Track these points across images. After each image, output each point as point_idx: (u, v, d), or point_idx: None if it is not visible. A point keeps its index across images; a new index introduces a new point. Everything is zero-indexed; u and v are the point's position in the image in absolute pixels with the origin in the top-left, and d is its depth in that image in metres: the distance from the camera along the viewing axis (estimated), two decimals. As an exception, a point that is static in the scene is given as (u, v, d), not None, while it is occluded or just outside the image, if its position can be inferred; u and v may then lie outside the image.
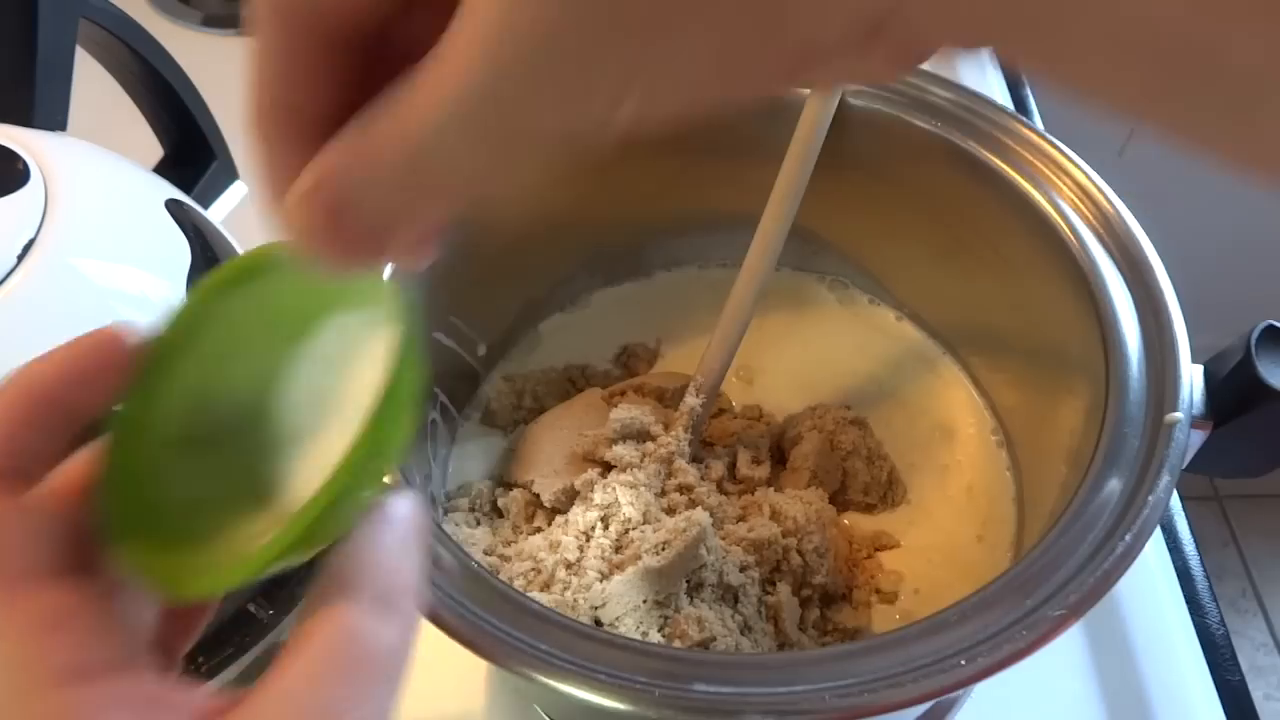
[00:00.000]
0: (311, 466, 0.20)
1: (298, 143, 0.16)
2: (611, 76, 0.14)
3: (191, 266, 0.38)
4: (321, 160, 0.15)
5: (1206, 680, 0.42)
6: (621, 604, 0.33)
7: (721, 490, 0.38)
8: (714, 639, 0.33)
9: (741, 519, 0.37)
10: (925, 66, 0.41)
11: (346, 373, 0.21)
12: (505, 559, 0.36)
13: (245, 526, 0.20)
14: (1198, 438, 0.31)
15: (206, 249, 0.40)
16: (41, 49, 0.39)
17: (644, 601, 0.33)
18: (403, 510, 0.20)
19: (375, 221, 0.16)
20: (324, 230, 0.16)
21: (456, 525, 0.38)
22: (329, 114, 0.16)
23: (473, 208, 0.16)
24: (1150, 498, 0.28)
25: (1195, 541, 0.47)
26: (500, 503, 0.39)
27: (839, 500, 0.40)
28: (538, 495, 0.38)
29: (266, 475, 0.21)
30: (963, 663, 0.25)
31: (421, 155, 0.15)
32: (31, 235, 0.33)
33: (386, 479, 0.19)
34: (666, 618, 0.33)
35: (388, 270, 0.20)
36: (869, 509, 0.40)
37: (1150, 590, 0.44)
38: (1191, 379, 0.31)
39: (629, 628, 0.33)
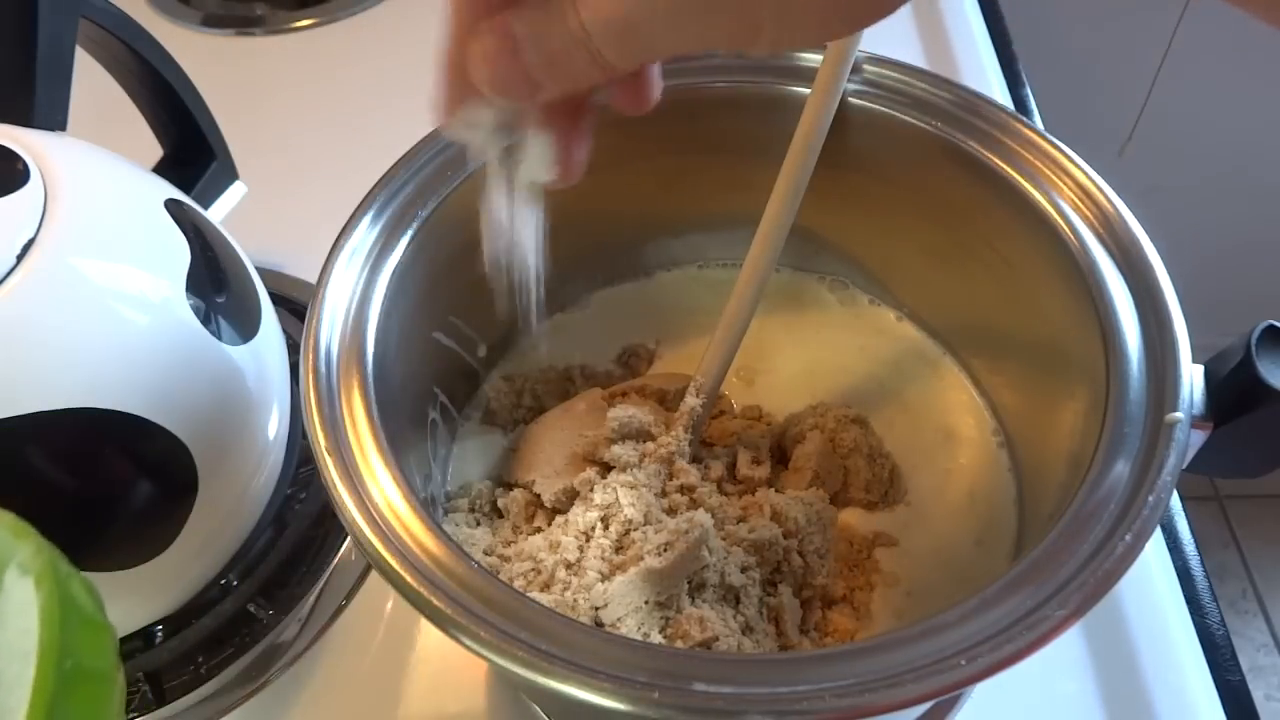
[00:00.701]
0: None
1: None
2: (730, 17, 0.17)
3: (191, 266, 0.38)
4: (497, 26, 0.20)
5: (1207, 680, 0.42)
6: (623, 605, 0.33)
7: (721, 491, 0.38)
8: (716, 639, 0.33)
9: (742, 519, 0.37)
10: (925, 66, 0.41)
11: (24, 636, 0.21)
12: (505, 559, 0.36)
13: None
14: (1198, 438, 0.31)
15: (206, 249, 0.40)
16: (41, 49, 0.39)
17: (645, 602, 0.33)
18: None
19: (533, 74, 0.20)
20: (498, 68, 0.20)
21: (456, 525, 0.38)
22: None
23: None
24: (1150, 498, 0.28)
25: (1195, 541, 0.47)
26: (500, 503, 0.39)
27: (840, 498, 0.40)
28: (538, 495, 0.38)
29: None
30: (963, 663, 0.25)
31: (576, 53, 0.19)
32: (31, 235, 0.33)
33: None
34: (668, 618, 0.33)
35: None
36: (870, 506, 0.40)
37: (1150, 590, 0.44)
38: (1192, 379, 0.31)
39: (630, 628, 0.33)
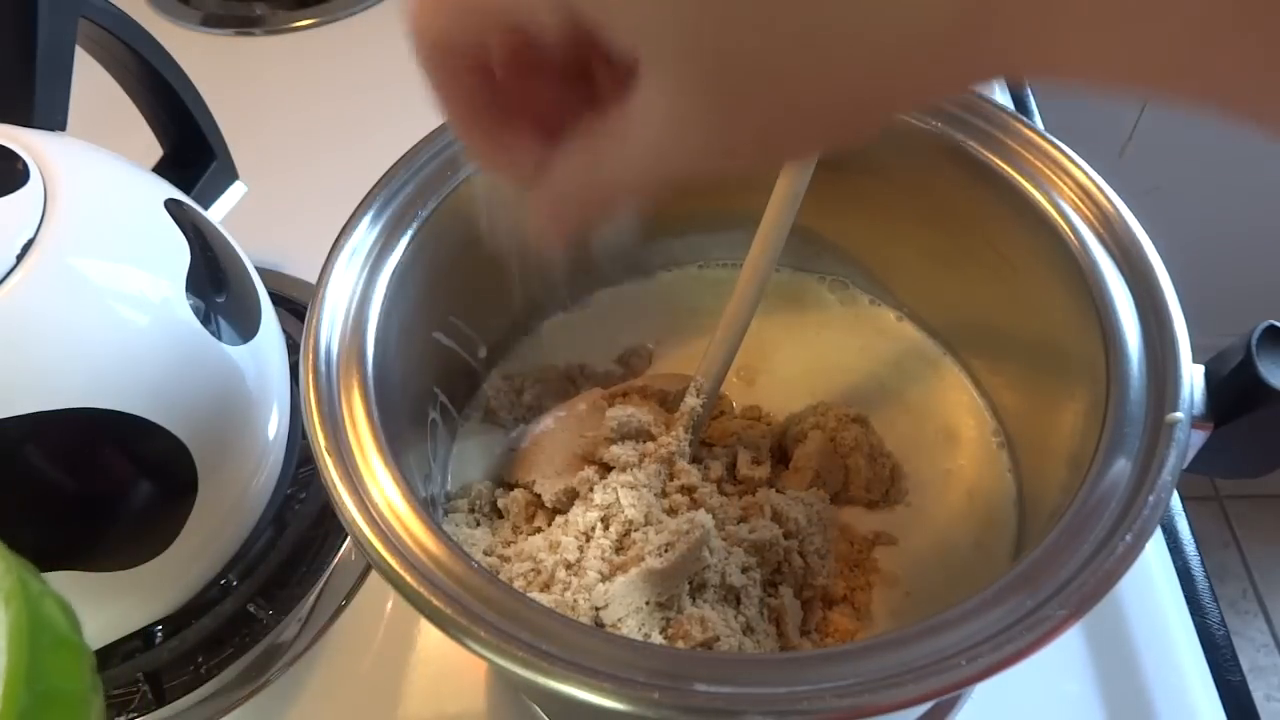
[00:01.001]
0: None
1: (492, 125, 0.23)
2: (741, 153, 0.21)
3: (191, 266, 0.38)
4: (548, 192, 0.23)
5: (1207, 680, 0.42)
6: (624, 605, 0.33)
7: (721, 491, 0.38)
8: (718, 639, 0.33)
9: (743, 520, 0.37)
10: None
11: None
12: (505, 559, 0.36)
13: None
14: (1198, 438, 0.31)
15: (206, 249, 0.40)
16: (41, 49, 0.39)
17: (646, 603, 0.33)
18: None
19: (582, 222, 0.24)
20: (555, 225, 0.24)
21: (456, 526, 0.38)
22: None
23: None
24: (1151, 498, 0.28)
25: (1196, 541, 0.47)
26: (500, 503, 0.39)
27: (840, 497, 0.40)
28: (539, 495, 0.38)
29: None
30: (963, 663, 0.25)
31: (613, 197, 0.23)
32: (31, 235, 0.33)
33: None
34: (668, 619, 0.33)
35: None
36: (871, 505, 0.40)
37: (1150, 590, 0.44)
38: (1192, 379, 0.31)
39: (631, 629, 0.33)
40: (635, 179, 0.22)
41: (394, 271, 0.36)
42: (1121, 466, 0.29)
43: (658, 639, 0.33)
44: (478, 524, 0.39)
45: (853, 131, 0.20)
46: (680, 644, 0.33)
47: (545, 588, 0.34)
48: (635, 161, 0.21)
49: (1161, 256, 0.34)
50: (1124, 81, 0.17)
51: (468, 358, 0.43)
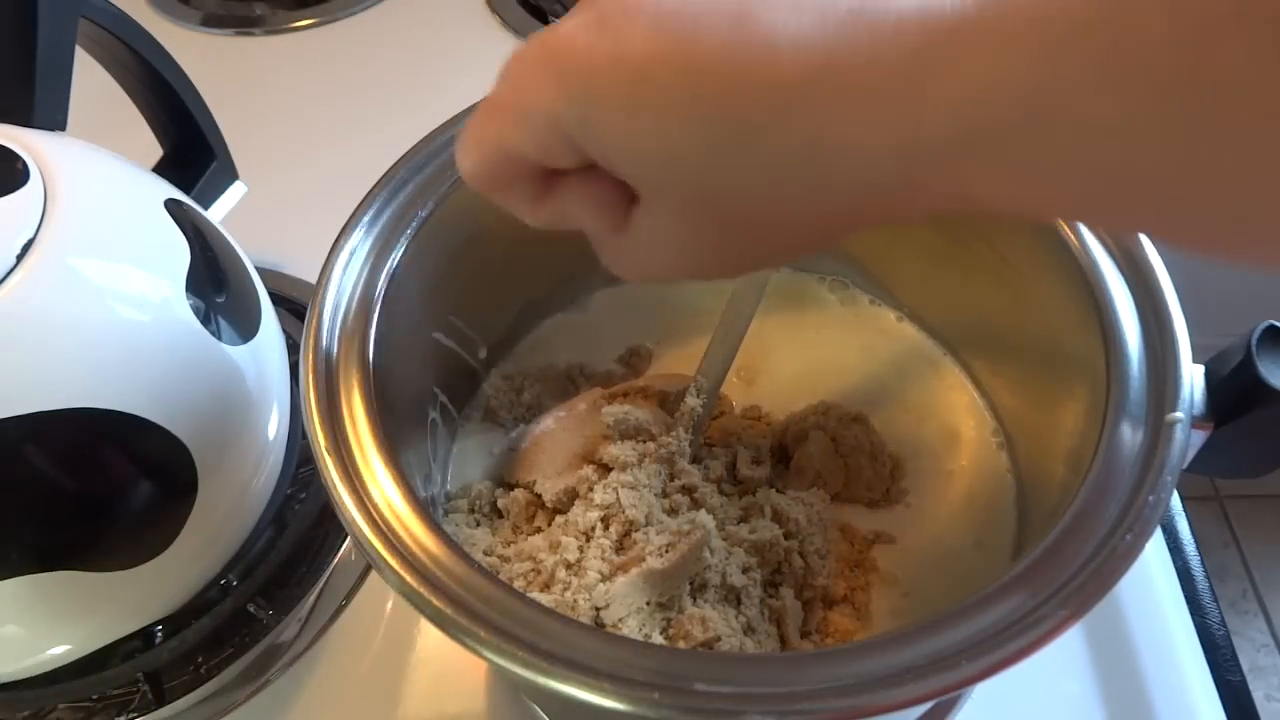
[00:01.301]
0: None
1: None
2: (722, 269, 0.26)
3: (191, 266, 0.38)
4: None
5: (1207, 681, 0.42)
6: (625, 605, 0.33)
7: (721, 491, 0.38)
8: (719, 639, 0.33)
9: (743, 520, 0.37)
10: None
11: None
12: (505, 559, 0.36)
13: None
14: (1198, 438, 0.31)
15: (206, 249, 0.40)
16: (41, 49, 0.39)
17: (647, 603, 0.33)
18: None
19: None
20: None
21: (456, 526, 0.38)
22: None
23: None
24: (1151, 498, 0.28)
25: (1196, 542, 0.47)
26: (500, 503, 0.39)
27: (841, 496, 0.40)
28: (539, 495, 0.38)
29: None
30: (963, 663, 0.25)
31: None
32: (31, 235, 0.33)
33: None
34: (669, 619, 0.33)
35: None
36: (871, 505, 0.40)
37: (1150, 590, 0.44)
38: (1192, 379, 0.31)
39: (631, 629, 0.33)
40: (645, 276, 0.27)
41: (394, 271, 0.36)
42: (1121, 466, 0.29)
43: (658, 639, 0.33)
44: (478, 524, 0.39)
45: (818, 248, 0.24)
46: (681, 644, 0.33)
47: (545, 588, 0.34)
48: (643, 266, 0.26)
49: (1161, 257, 0.34)
50: (1050, 218, 0.21)
51: (468, 358, 0.43)
